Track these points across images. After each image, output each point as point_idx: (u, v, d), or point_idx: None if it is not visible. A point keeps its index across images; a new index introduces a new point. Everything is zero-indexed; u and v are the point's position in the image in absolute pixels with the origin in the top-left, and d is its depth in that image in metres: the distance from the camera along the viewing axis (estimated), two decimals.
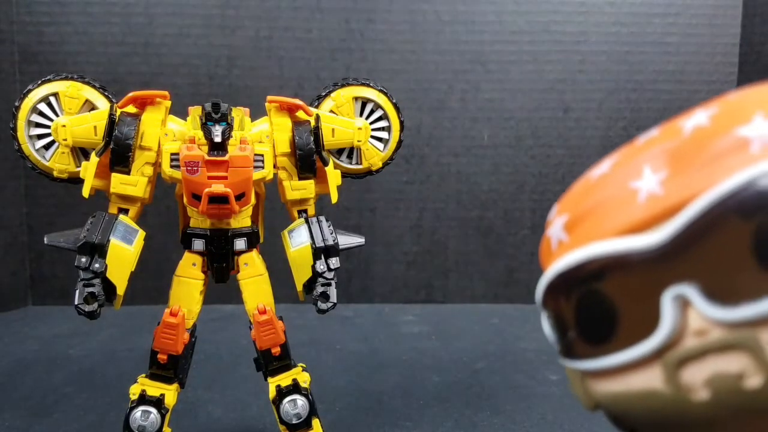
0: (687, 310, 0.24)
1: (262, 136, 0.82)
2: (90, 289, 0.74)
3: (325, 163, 0.83)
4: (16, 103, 0.79)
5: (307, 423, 0.83)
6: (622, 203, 0.26)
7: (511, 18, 1.71)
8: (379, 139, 0.89)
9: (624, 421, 0.27)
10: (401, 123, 0.90)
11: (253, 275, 0.83)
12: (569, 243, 0.28)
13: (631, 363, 0.25)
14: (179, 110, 0.84)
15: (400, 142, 0.90)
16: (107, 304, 0.76)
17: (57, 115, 0.80)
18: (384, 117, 0.89)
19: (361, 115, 0.89)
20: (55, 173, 0.80)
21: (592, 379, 0.28)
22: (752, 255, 0.22)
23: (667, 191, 0.25)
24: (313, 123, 0.84)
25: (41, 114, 0.80)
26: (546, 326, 0.29)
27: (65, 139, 0.78)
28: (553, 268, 0.27)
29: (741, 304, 0.22)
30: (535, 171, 1.76)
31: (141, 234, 0.79)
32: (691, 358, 0.23)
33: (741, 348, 0.22)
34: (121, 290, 0.77)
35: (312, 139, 0.82)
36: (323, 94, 0.89)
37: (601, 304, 0.26)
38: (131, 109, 0.80)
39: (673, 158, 0.25)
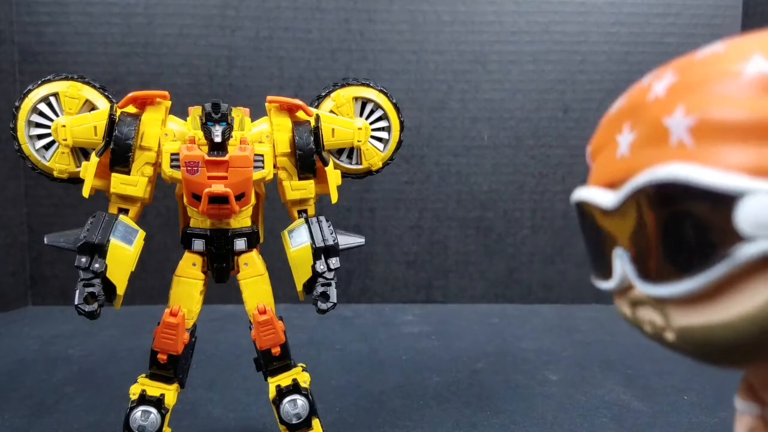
0: None
1: (262, 136, 0.82)
2: (90, 289, 0.74)
3: (325, 163, 0.83)
4: (16, 103, 0.79)
5: (307, 423, 0.83)
6: (609, 154, 0.28)
7: (511, 18, 1.71)
8: (379, 139, 0.89)
9: None
10: (401, 123, 0.90)
11: (253, 275, 0.83)
12: (591, 173, 0.31)
13: (611, 292, 0.29)
14: (179, 110, 0.84)
15: (400, 142, 0.90)
16: (107, 304, 0.76)
17: (57, 115, 0.80)
18: (384, 117, 0.89)
19: (361, 115, 0.89)
20: (55, 173, 0.80)
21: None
22: (661, 243, 0.25)
23: (631, 156, 0.27)
24: (313, 123, 0.84)
25: (41, 114, 0.80)
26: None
27: (65, 139, 0.78)
28: (573, 194, 0.30)
29: (650, 282, 0.25)
30: (535, 171, 1.76)
31: (141, 234, 0.79)
32: (637, 302, 0.27)
33: (657, 311, 0.26)
34: (121, 290, 0.77)
35: (312, 139, 0.82)
36: (323, 94, 0.89)
37: (598, 237, 0.29)
38: (131, 109, 0.80)
39: (639, 123, 0.27)
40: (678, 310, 0.25)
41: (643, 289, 0.26)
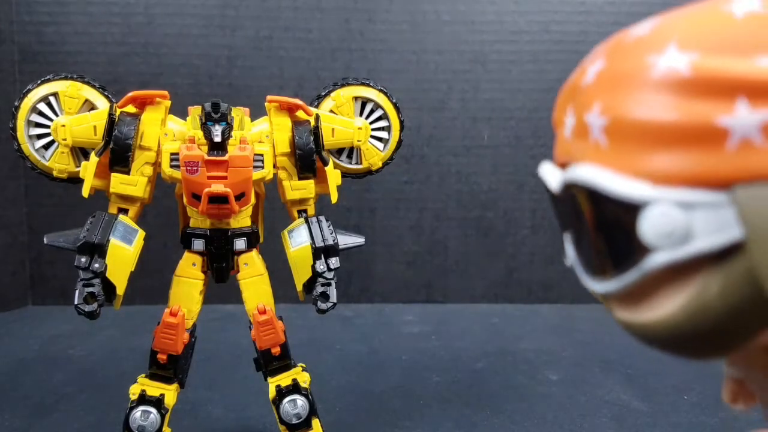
0: None
1: (262, 135, 0.82)
2: (90, 289, 0.74)
3: (325, 163, 0.83)
4: (16, 103, 0.79)
5: (307, 423, 0.83)
6: (560, 132, 0.27)
7: (511, 18, 1.71)
8: (379, 139, 0.89)
9: None
10: (401, 123, 0.90)
11: (253, 275, 0.83)
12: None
13: None
14: (179, 110, 0.84)
15: (400, 142, 0.90)
16: (107, 304, 0.76)
17: (57, 115, 0.80)
18: (384, 117, 0.89)
19: (361, 114, 0.89)
20: (54, 173, 0.80)
21: None
22: (593, 238, 0.24)
23: (571, 141, 0.26)
24: (312, 123, 0.84)
25: (41, 114, 0.80)
26: None
27: (65, 139, 0.78)
28: None
29: (587, 275, 0.25)
30: (535, 171, 1.76)
31: (141, 234, 0.79)
32: None
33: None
34: (120, 290, 0.77)
35: (312, 138, 0.82)
36: (323, 93, 0.89)
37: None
38: (131, 109, 0.80)
39: (575, 108, 0.25)
40: (616, 304, 0.24)
41: (582, 279, 0.25)
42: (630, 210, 0.21)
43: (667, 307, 0.22)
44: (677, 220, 0.21)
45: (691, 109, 0.20)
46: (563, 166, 0.26)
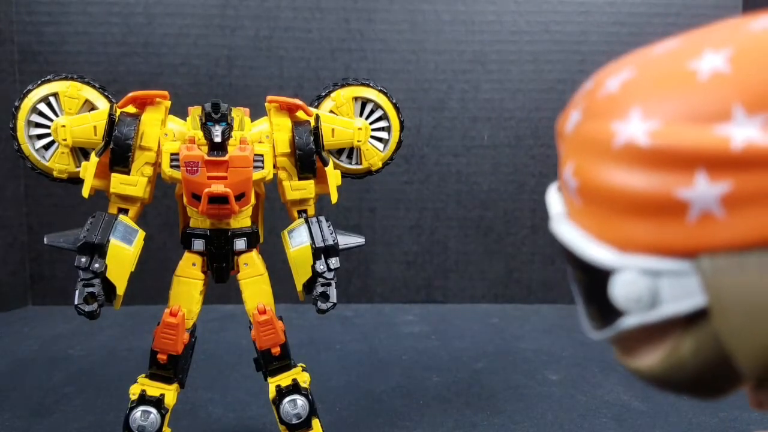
0: None
1: (262, 136, 0.82)
2: (90, 289, 0.74)
3: (325, 163, 0.83)
4: (16, 103, 0.79)
5: (307, 423, 0.83)
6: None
7: (511, 18, 1.71)
8: (379, 139, 0.89)
9: None
10: (401, 123, 0.90)
11: (252, 275, 0.83)
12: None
13: None
14: (179, 110, 0.84)
15: (400, 142, 0.90)
16: (107, 304, 0.76)
17: (57, 115, 0.80)
18: (384, 117, 0.89)
19: (360, 115, 0.89)
20: (54, 173, 0.80)
21: None
22: (585, 291, 0.25)
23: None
24: (312, 123, 0.84)
25: (41, 114, 0.80)
26: None
27: (65, 139, 0.78)
28: None
29: (590, 325, 0.25)
30: (535, 171, 1.76)
31: (141, 234, 0.79)
32: None
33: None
34: (120, 290, 0.77)
35: (312, 139, 0.82)
36: (323, 94, 0.89)
37: None
38: (131, 109, 0.80)
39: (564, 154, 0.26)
40: (615, 348, 0.26)
41: (580, 319, 0.26)
42: (601, 273, 0.22)
43: (648, 360, 0.23)
44: (644, 287, 0.21)
45: (651, 181, 0.20)
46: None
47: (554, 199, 0.26)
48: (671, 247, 0.21)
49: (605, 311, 0.23)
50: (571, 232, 0.23)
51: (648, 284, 0.21)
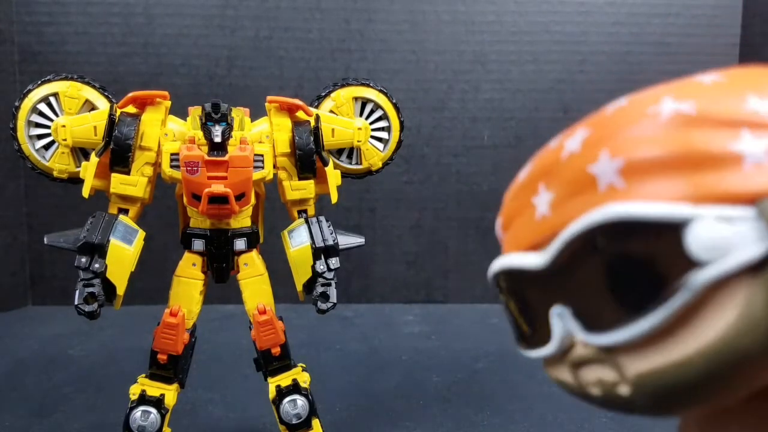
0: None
1: (262, 136, 0.82)
2: (90, 289, 0.74)
3: (325, 163, 0.83)
4: (16, 103, 0.79)
5: (307, 423, 0.83)
6: (527, 218, 0.28)
7: (511, 18, 1.71)
8: (379, 139, 0.89)
9: None
10: (401, 123, 0.90)
11: (253, 275, 0.83)
12: (504, 244, 0.30)
13: (549, 358, 0.28)
14: (179, 110, 0.84)
15: (400, 142, 0.90)
16: (107, 304, 0.76)
17: (57, 115, 0.80)
18: (384, 117, 0.89)
19: (360, 115, 0.89)
20: (55, 173, 0.80)
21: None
22: (605, 288, 0.24)
23: (553, 214, 0.26)
24: (312, 123, 0.84)
25: (41, 114, 0.80)
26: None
27: (65, 139, 0.78)
28: (491, 268, 0.30)
29: (598, 331, 0.25)
30: None
31: (141, 234, 0.79)
32: (581, 363, 0.26)
33: (608, 364, 0.25)
34: (120, 290, 0.77)
35: (312, 139, 0.82)
36: (323, 94, 0.89)
37: (524, 305, 0.28)
38: (131, 109, 0.80)
39: (556, 181, 0.27)
40: (632, 356, 0.24)
41: (593, 340, 0.25)
42: (669, 232, 0.22)
43: (713, 329, 0.22)
44: (719, 233, 0.22)
45: (706, 139, 0.23)
46: (536, 247, 0.27)
47: (519, 256, 0.27)
48: (735, 196, 0.22)
49: (648, 292, 0.23)
50: (628, 204, 0.23)
51: (722, 231, 0.22)
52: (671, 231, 0.22)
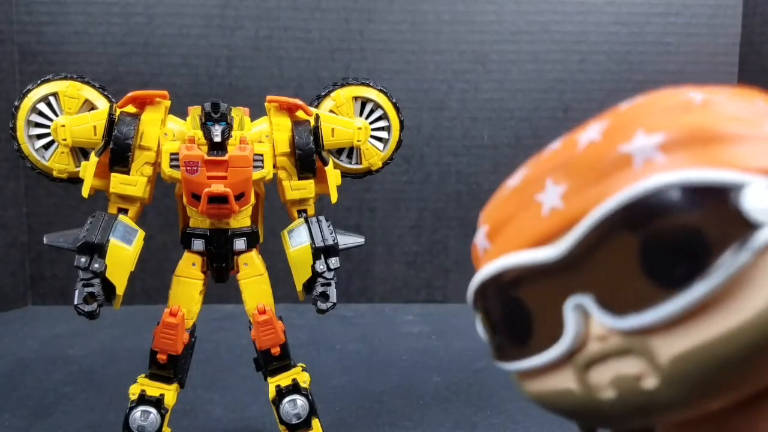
0: (589, 317, 0.25)
1: (262, 135, 0.82)
2: (89, 289, 0.74)
3: (325, 163, 0.83)
4: (16, 103, 0.79)
5: (306, 423, 0.83)
6: (530, 215, 0.27)
7: (511, 18, 1.71)
8: (379, 139, 0.89)
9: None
10: (401, 123, 0.90)
11: (252, 275, 0.83)
12: (492, 251, 0.29)
13: (546, 365, 0.26)
14: (179, 110, 0.84)
15: (399, 142, 0.90)
16: (107, 304, 0.76)
17: (56, 115, 0.80)
18: (384, 117, 0.89)
19: (360, 115, 0.89)
20: (54, 173, 0.80)
21: (520, 378, 0.29)
22: (639, 267, 0.24)
23: (567, 205, 0.26)
24: (312, 123, 0.84)
25: (41, 114, 0.80)
26: (479, 327, 0.30)
27: (65, 139, 0.78)
28: (478, 275, 0.28)
29: (631, 313, 0.24)
30: None
31: (141, 234, 0.79)
32: (595, 360, 0.25)
33: (636, 353, 0.24)
34: (120, 290, 0.77)
35: (312, 138, 0.82)
36: (323, 93, 0.89)
37: (520, 310, 0.27)
38: (131, 108, 0.80)
39: (571, 172, 0.27)
40: (668, 337, 0.23)
41: (624, 324, 0.24)
42: (722, 197, 0.23)
43: (762, 296, 0.22)
44: None
45: (747, 111, 0.25)
46: (544, 242, 0.26)
47: (523, 254, 0.27)
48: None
49: (697, 261, 0.22)
50: (680, 171, 0.23)
51: None
52: (722, 197, 0.22)
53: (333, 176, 0.83)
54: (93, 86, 0.81)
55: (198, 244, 0.81)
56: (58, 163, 0.80)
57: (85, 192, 0.77)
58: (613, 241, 0.24)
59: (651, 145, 0.24)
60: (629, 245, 0.24)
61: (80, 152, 0.81)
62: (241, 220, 0.81)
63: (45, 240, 0.77)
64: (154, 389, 0.82)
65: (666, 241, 0.23)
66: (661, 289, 0.23)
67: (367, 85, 0.89)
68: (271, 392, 0.84)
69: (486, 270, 0.28)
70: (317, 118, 0.84)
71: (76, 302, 0.74)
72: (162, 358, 0.81)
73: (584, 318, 0.25)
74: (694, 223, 0.23)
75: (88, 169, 0.76)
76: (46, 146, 0.80)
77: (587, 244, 0.25)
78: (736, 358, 0.22)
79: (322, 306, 0.80)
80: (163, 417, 0.81)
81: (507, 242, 0.28)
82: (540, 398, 0.28)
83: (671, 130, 0.24)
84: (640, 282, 0.24)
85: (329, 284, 0.81)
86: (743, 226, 0.22)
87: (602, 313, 0.24)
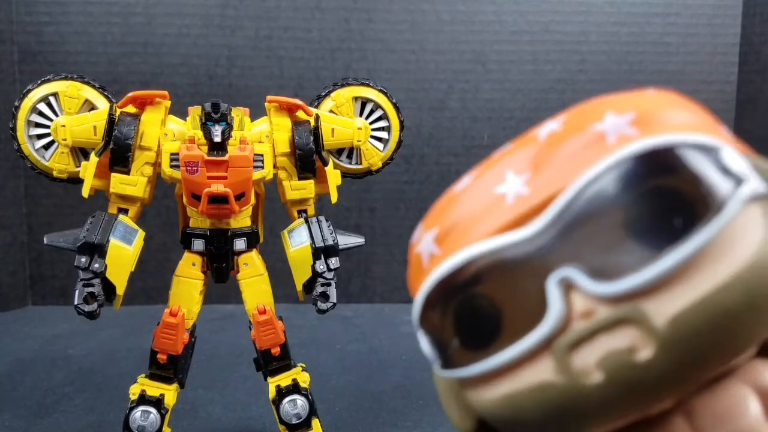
0: (570, 295, 0.24)
1: (262, 135, 0.82)
2: (89, 289, 0.74)
3: (325, 163, 0.83)
4: (16, 103, 0.79)
5: (306, 423, 0.83)
6: (490, 208, 0.27)
7: (511, 18, 1.71)
8: (379, 139, 0.89)
9: (512, 428, 0.27)
10: (401, 123, 0.90)
11: (252, 275, 0.83)
12: (442, 254, 0.28)
13: (519, 358, 0.25)
14: (179, 110, 0.84)
15: (399, 142, 0.90)
16: (107, 304, 0.76)
17: (57, 115, 0.80)
18: (384, 117, 0.89)
19: (360, 115, 0.89)
20: (54, 173, 0.80)
21: (475, 388, 0.27)
22: (625, 232, 0.24)
23: (533, 189, 0.26)
24: (312, 123, 0.84)
25: (41, 114, 0.80)
26: (425, 345, 0.29)
27: (65, 139, 0.78)
28: (429, 280, 0.27)
29: (622, 276, 0.23)
30: None
31: (141, 234, 0.79)
32: (580, 341, 0.24)
33: (628, 322, 0.23)
34: (120, 290, 0.77)
35: (312, 139, 0.82)
36: (323, 94, 0.89)
37: (482, 307, 0.26)
38: (131, 109, 0.80)
39: (533, 161, 0.27)
40: (662, 299, 0.23)
41: (619, 287, 0.23)
42: (699, 161, 0.24)
43: (747, 247, 0.23)
44: (740, 161, 0.24)
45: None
46: (515, 225, 0.26)
47: (494, 240, 0.26)
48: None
49: (692, 213, 0.23)
50: (670, 135, 0.25)
51: (741, 160, 0.25)
52: (707, 156, 0.24)
53: (333, 176, 0.83)
54: (93, 86, 0.81)
55: (198, 244, 0.81)
56: (58, 163, 0.80)
57: (85, 192, 0.77)
58: (596, 211, 0.24)
59: (623, 122, 0.26)
60: (614, 212, 0.24)
61: (80, 152, 0.81)
62: (241, 220, 0.81)
63: (45, 240, 0.77)
64: (154, 389, 0.82)
65: (653, 203, 0.24)
66: (650, 249, 0.23)
67: (367, 85, 0.89)
68: (271, 392, 0.84)
69: (441, 269, 0.27)
70: (317, 118, 0.84)
71: (76, 302, 0.74)
72: (162, 358, 0.81)
73: (566, 296, 0.24)
74: (681, 183, 0.23)
75: (88, 169, 0.76)
76: (47, 146, 0.80)
77: (568, 217, 0.24)
78: (730, 312, 0.22)
79: (322, 306, 0.80)
80: (163, 417, 0.81)
81: (462, 239, 0.27)
82: (506, 403, 0.26)
83: (640, 108, 0.26)
84: (629, 246, 0.23)
85: (329, 284, 0.81)
86: (728, 182, 0.23)
87: (592, 282, 0.24)
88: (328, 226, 0.83)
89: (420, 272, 0.29)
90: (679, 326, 0.22)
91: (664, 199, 0.24)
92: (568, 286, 0.24)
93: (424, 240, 0.29)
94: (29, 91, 0.80)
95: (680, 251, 0.23)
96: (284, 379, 0.84)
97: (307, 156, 0.82)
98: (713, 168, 0.23)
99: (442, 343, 0.28)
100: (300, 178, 0.83)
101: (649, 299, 0.23)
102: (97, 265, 0.74)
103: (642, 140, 0.24)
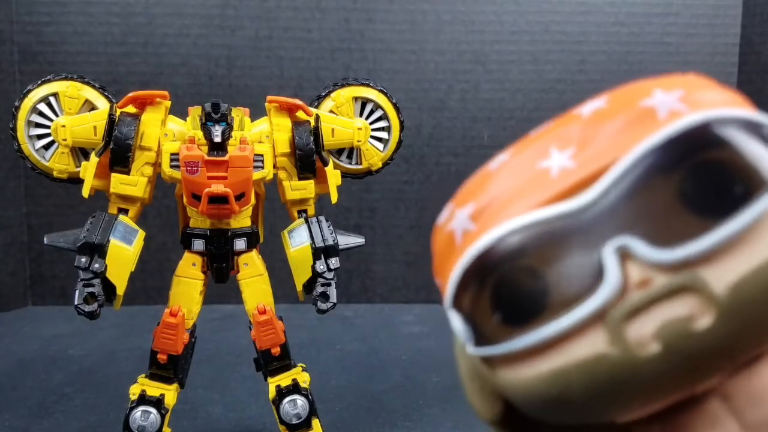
0: (627, 264, 0.24)
1: (262, 136, 0.82)
2: (90, 289, 0.74)
3: (325, 163, 0.83)
4: (16, 103, 0.79)
5: (306, 423, 0.83)
6: (534, 181, 0.27)
7: (511, 18, 1.71)
8: (379, 139, 0.89)
9: (549, 409, 0.26)
10: (401, 123, 0.90)
11: (252, 275, 0.83)
12: (478, 230, 0.27)
13: (569, 330, 0.24)
14: (179, 110, 0.84)
15: (399, 142, 0.90)
16: (107, 304, 0.76)
17: (57, 115, 0.80)
18: (384, 117, 0.89)
19: (360, 115, 0.89)
20: (54, 173, 0.80)
21: (512, 366, 0.26)
22: (680, 203, 0.24)
23: (581, 163, 0.26)
24: (312, 123, 0.84)
25: (41, 114, 0.80)
26: (456, 324, 0.28)
27: (65, 139, 0.78)
28: (466, 256, 0.27)
29: (682, 243, 0.23)
30: None
31: (141, 234, 0.79)
32: (637, 311, 0.23)
33: (687, 290, 0.23)
34: (120, 290, 0.77)
35: (312, 139, 0.82)
36: (323, 94, 0.89)
37: (525, 280, 0.25)
38: (131, 109, 0.80)
39: (578, 137, 0.27)
40: (721, 265, 0.23)
41: (679, 254, 0.23)
42: (754, 133, 0.24)
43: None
44: None
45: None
46: (560, 198, 0.26)
47: (541, 211, 0.26)
48: None
49: (751, 182, 0.23)
50: (720, 109, 0.25)
51: None
52: (755, 130, 0.24)
53: (333, 176, 0.83)
54: (93, 86, 0.81)
55: (198, 245, 0.81)
56: (58, 163, 0.80)
57: (85, 192, 0.77)
58: (652, 181, 0.24)
59: (673, 99, 0.26)
60: (667, 185, 0.24)
61: (80, 152, 0.81)
62: (242, 220, 0.81)
63: (45, 240, 0.77)
64: (154, 389, 0.82)
65: (709, 173, 0.24)
66: (707, 219, 0.23)
67: (367, 85, 0.89)
68: (271, 392, 0.84)
69: (481, 243, 0.26)
70: (317, 118, 0.84)
71: (76, 302, 0.74)
72: (162, 358, 0.81)
73: (622, 265, 0.24)
74: (735, 154, 0.24)
75: (88, 170, 0.76)
76: (47, 146, 0.80)
77: (623, 188, 0.24)
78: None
79: (322, 306, 0.80)
80: (163, 417, 0.81)
81: (502, 214, 0.27)
82: (551, 379, 0.25)
83: (687, 87, 0.26)
84: (685, 215, 0.23)
85: (329, 284, 0.81)
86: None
87: (651, 249, 0.23)
88: (328, 226, 0.83)
89: (452, 251, 0.29)
90: (739, 293, 0.22)
91: (720, 169, 0.24)
92: (624, 255, 0.24)
93: (456, 217, 0.29)
94: (29, 91, 0.80)
95: (740, 219, 0.23)
96: (284, 379, 0.84)
97: (307, 156, 0.82)
98: (764, 140, 0.24)
99: (477, 319, 0.27)
100: (300, 179, 0.83)
101: (708, 266, 0.23)
102: (97, 265, 0.74)
103: (694, 113, 0.25)
